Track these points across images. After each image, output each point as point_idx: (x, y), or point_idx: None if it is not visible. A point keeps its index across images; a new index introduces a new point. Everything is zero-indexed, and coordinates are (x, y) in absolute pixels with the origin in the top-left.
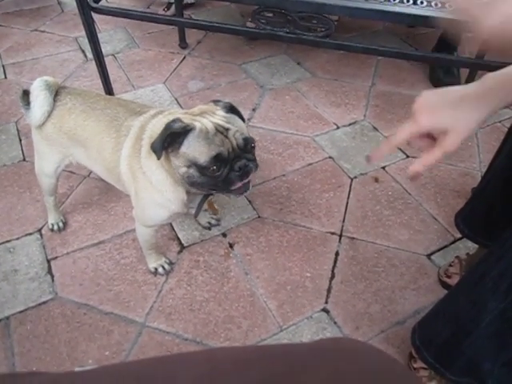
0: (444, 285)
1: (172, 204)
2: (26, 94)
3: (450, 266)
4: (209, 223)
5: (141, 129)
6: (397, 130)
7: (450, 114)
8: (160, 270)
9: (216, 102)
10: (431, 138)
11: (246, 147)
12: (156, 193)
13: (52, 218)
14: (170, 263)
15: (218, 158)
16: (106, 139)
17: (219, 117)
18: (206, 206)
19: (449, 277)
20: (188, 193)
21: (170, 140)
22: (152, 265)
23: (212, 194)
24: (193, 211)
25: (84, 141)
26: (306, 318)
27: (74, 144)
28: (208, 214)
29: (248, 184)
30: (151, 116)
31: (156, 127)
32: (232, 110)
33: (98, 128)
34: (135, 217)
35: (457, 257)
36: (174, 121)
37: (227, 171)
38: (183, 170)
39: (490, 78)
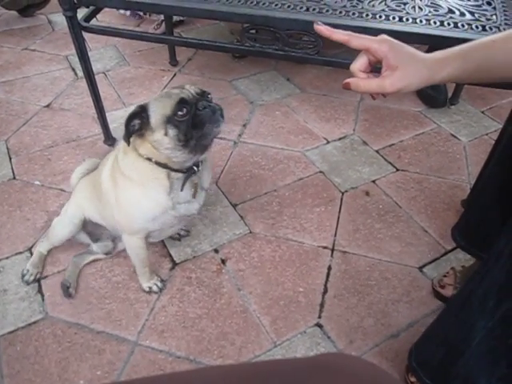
0: (437, 295)
1: (155, 192)
2: None
3: (445, 276)
4: (178, 234)
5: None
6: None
7: (409, 56)
8: (154, 288)
9: None
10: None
11: (204, 94)
12: (137, 187)
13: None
14: (162, 280)
15: (181, 102)
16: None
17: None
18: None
19: (442, 287)
20: (170, 178)
21: (136, 126)
22: (146, 284)
23: (194, 172)
24: (181, 209)
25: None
26: (300, 334)
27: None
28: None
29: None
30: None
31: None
32: None
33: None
34: (121, 227)
35: (452, 268)
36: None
37: (194, 111)
38: (165, 140)
39: (439, 53)
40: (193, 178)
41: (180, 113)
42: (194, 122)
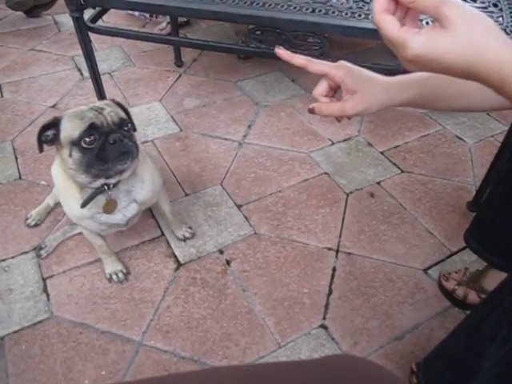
0: (440, 286)
1: (68, 200)
2: None
3: (455, 272)
4: (183, 236)
5: None
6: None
7: (366, 80)
8: (114, 277)
9: None
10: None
11: (122, 125)
12: (58, 190)
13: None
14: (126, 273)
15: (91, 127)
16: None
17: (97, 103)
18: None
19: (447, 279)
20: (81, 191)
21: (50, 136)
22: (107, 270)
23: (104, 190)
24: (101, 218)
25: None
26: (304, 335)
27: None
28: (184, 226)
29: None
30: None
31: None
32: (117, 104)
33: None
34: None
35: (466, 268)
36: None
37: (102, 142)
38: (69, 161)
39: (401, 77)
40: (109, 194)
41: (87, 139)
42: (99, 154)
